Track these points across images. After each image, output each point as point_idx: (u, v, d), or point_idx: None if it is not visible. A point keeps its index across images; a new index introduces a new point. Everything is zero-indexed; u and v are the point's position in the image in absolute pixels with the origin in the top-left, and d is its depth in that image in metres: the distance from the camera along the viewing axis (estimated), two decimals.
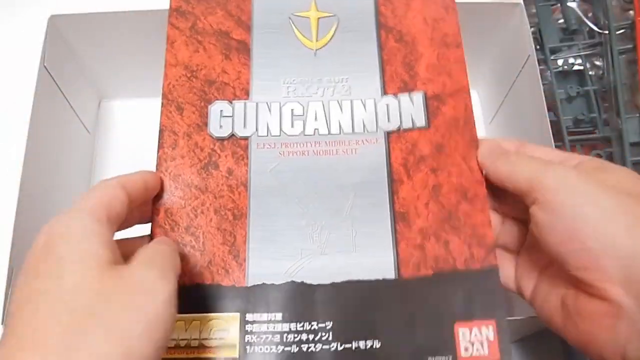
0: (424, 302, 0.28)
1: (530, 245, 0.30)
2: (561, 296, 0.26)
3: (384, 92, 0.33)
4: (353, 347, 0.27)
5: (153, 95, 0.48)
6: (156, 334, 0.21)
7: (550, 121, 0.37)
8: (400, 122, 0.32)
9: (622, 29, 0.48)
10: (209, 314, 0.28)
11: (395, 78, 0.33)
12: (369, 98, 0.33)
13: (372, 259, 0.29)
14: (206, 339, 0.28)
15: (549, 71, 0.47)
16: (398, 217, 0.30)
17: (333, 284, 0.29)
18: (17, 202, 0.33)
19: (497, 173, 0.28)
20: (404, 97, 0.33)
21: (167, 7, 0.38)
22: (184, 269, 0.29)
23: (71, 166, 0.44)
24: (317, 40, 0.34)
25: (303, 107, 0.33)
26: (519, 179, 0.26)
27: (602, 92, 0.47)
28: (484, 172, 0.30)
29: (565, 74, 0.48)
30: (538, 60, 0.38)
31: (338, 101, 0.33)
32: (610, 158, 0.45)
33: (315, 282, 0.29)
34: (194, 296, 0.29)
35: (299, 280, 0.29)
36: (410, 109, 0.32)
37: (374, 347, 0.27)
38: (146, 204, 0.29)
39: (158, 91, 0.48)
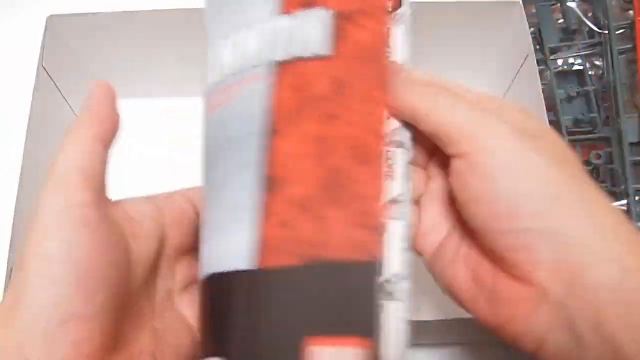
0: (276, 303, 0.20)
1: (442, 195, 0.24)
2: (473, 265, 0.22)
3: (280, 11, 0.23)
4: None
5: (152, 95, 0.49)
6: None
7: (550, 121, 0.37)
8: (295, 48, 0.23)
9: (622, 29, 0.48)
10: None
11: None
12: (259, 23, 0.23)
13: (231, 243, 0.22)
14: None
15: (548, 71, 0.47)
16: (268, 184, 0.21)
17: (202, 281, 0.23)
18: (16, 202, 0.33)
19: (406, 107, 0.22)
20: (303, 15, 0.23)
21: (166, 7, 0.38)
22: None
23: None
24: None
25: None
26: (443, 123, 0.21)
27: (602, 92, 0.47)
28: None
29: (565, 74, 0.48)
30: (538, 61, 0.38)
31: (233, 41, 0.24)
32: (609, 158, 0.45)
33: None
34: None
35: None
36: (309, 30, 0.23)
37: None
38: None
39: (158, 91, 0.48)
